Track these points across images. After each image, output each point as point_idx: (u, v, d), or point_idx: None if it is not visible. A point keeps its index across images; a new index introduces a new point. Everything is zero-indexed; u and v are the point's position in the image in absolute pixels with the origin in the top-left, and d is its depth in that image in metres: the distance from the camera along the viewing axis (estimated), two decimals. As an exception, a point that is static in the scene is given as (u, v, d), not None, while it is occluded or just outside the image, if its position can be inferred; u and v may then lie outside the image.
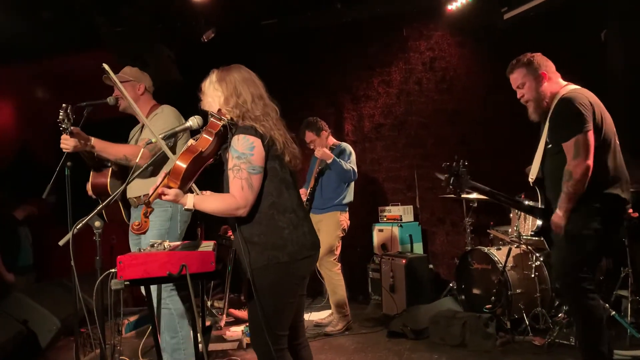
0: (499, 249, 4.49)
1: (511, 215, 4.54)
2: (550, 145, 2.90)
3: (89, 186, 3.35)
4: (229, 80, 2.31)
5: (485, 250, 4.48)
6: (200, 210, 2.18)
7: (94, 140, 3.11)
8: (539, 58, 2.98)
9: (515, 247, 4.36)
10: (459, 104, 5.99)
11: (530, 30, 5.26)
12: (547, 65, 2.97)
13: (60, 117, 2.92)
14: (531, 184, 3.06)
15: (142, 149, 2.68)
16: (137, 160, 2.59)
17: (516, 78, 3.02)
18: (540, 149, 3.00)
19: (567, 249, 2.78)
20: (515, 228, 4.33)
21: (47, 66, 6.64)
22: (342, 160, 4.60)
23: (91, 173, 3.29)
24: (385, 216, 5.95)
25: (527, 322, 4.04)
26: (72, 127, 2.96)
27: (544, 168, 2.99)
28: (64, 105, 2.93)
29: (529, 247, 4.33)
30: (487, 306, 4.22)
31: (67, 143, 2.98)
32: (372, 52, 6.34)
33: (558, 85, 2.94)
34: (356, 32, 6.29)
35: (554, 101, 2.90)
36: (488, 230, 4.87)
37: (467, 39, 5.98)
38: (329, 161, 4.59)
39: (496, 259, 4.34)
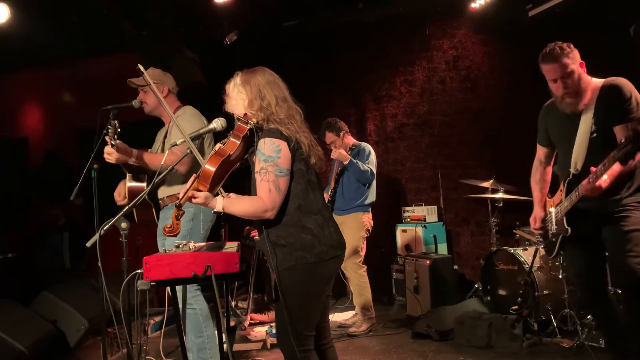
0: (525, 250, 4.42)
1: (538, 215, 4.46)
2: (595, 135, 2.76)
3: (116, 194, 3.40)
4: (253, 83, 2.32)
5: (511, 251, 4.41)
6: (228, 213, 2.20)
7: (136, 153, 3.16)
8: (574, 48, 2.81)
9: (542, 248, 4.27)
10: (483, 103, 5.92)
11: (555, 27, 5.16)
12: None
13: (109, 132, 2.97)
14: (570, 176, 2.93)
15: (167, 153, 2.71)
16: (162, 162, 2.62)
17: (563, 66, 2.75)
18: (582, 141, 2.82)
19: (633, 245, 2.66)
20: (542, 228, 4.25)
21: (73, 70, 6.77)
22: (359, 161, 4.58)
23: (127, 177, 3.34)
24: (409, 216, 5.91)
25: (555, 324, 3.97)
26: (118, 142, 3.01)
27: (585, 161, 2.82)
28: (112, 122, 2.98)
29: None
30: (513, 307, 4.15)
31: (111, 156, 3.05)
32: (394, 52, 6.30)
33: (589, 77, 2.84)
34: (378, 32, 6.26)
35: (595, 91, 2.77)
36: (514, 231, 4.80)
37: (491, 37, 5.91)
38: (345, 162, 4.58)
39: (522, 259, 4.28)
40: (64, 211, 6.73)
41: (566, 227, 2.91)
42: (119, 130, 3.00)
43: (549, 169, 3.23)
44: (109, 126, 2.97)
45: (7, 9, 4.71)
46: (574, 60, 2.76)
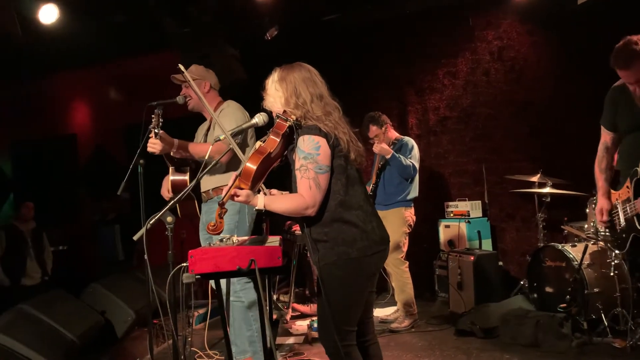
0: (574, 246, 4.27)
1: (587, 210, 4.31)
2: None
3: (164, 190, 3.46)
4: (288, 80, 2.32)
5: (559, 247, 4.28)
6: (269, 211, 2.21)
7: (177, 143, 3.20)
8: None
9: (592, 244, 4.14)
10: (529, 95, 5.75)
11: (606, 16, 4.96)
12: None
13: (153, 121, 3.03)
14: (638, 176, 2.77)
15: (211, 146, 2.74)
16: (206, 156, 2.65)
17: (636, 72, 2.55)
18: None
19: None
20: (592, 224, 4.11)
21: (119, 68, 6.96)
22: (401, 156, 4.52)
23: (170, 171, 3.40)
24: (452, 212, 5.81)
25: (606, 323, 3.83)
26: (161, 132, 3.06)
27: None
28: (156, 111, 3.04)
29: (608, 244, 4.09)
30: (561, 305, 4.02)
31: (155, 147, 3.09)
32: (437, 43, 6.19)
33: None
34: (420, 23, 6.17)
35: None
36: (562, 226, 4.66)
37: (538, 27, 5.73)
38: (387, 157, 4.52)
39: (571, 256, 4.14)
40: (114, 205, 6.93)
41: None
42: (161, 120, 3.04)
43: (616, 156, 3.03)
44: (153, 116, 3.03)
45: (57, 10, 4.85)
46: None
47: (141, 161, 3.11)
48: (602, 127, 3.00)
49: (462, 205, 5.74)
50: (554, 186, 4.74)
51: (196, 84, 3.43)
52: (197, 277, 2.15)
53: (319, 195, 2.18)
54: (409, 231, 4.65)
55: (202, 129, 3.70)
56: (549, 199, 4.76)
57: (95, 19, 5.36)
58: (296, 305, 5.22)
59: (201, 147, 3.31)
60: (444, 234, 5.78)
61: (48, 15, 4.84)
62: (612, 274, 3.92)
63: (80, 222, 7.48)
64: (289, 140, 2.33)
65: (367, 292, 2.31)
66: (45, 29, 4.94)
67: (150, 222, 2.50)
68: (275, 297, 5.53)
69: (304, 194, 2.17)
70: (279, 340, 4.37)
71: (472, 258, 4.80)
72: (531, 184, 4.91)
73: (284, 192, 2.51)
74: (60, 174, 7.54)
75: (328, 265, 2.20)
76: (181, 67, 3.21)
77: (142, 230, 2.60)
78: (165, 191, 3.46)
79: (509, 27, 5.85)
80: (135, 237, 2.68)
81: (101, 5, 5.25)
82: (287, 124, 2.27)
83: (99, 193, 7.27)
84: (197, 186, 3.45)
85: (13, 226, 5.96)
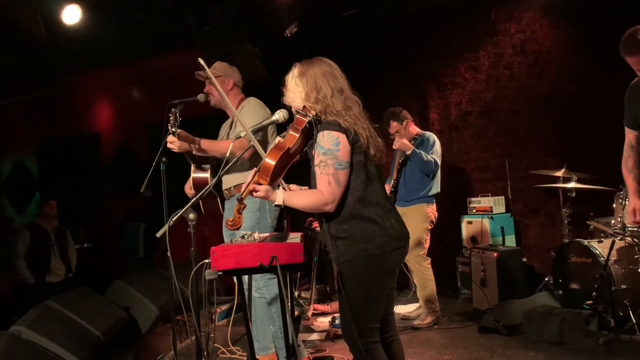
0: (601, 242, 4.19)
1: (614, 205, 4.23)
2: None
3: (187, 186, 3.49)
4: (309, 75, 2.31)
5: (585, 243, 4.20)
6: (288, 206, 2.21)
7: (199, 141, 3.22)
8: None
9: (619, 240, 4.05)
10: (552, 89, 5.65)
11: (630, 8, 4.84)
12: None
13: (170, 119, 3.06)
14: None
15: (232, 142, 2.74)
16: (227, 154, 2.66)
17: None
18: None
19: None
20: (619, 219, 4.02)
21: (141, 67, 7.03)
22: (422, 152, 4.47)
23: (192, 169, 3.42)
24: (475, 207, 5.75)
25: (634, 320, 3.75)
26: (179, 130, 3.09)
27: None
28: (173, 109, 3.08)
29: (635, 240, 4.00)
30: (587, 302, 3.95)
31: (173, 144, 3.11)
32: (458, 37, 6.12)
33: None
34: (440, 18, 6.11)
35: None
36: (588, 222, 4.57)
37: (561, 20, 5.62)
38: (408, 152, 4.48)
39: (597, 252, 4.06)
40: (137, 203, 7.01)
41: None
42: (179, 119, 3.07)
43: None
44: (170, 115, 3.07)
45: (80, 10, 4.92)
46: None
47: (164, 159, 3.14)
48: (625, 127, 2.95)
49: (484, 201, 5.67)
50: (579, 181, 4.66)
51: (220, 81, 3.44)
52: (219, 273, 2.16)
53: (338, 191, 2.17)
54: (431, 227, 4.62)
55: (225, 127, 3.71)
56: (574, 194, 4.68)
57: (117, 18, 5.42)
58: (317, 306, 5.22)
59: (222, 145, 3.32)
60: (466, 230, 5.73)
61: (71, 15, 4.91)
62: (640, 270, 3.84)
63: (104, 220, 7.60)
64: (309, 135, 2.32)
65: (387, 289, 2.30)
66: (69, 29, 5.01)
67: (173, 219, 2.52)
68: (296, 293, 5.54)
69: (323, 189, 2.16)
70: (301, 337, 4.37)
71: (495, 254, 4.74)
72: (555, 179, 4.83)
73: (303, 188, 2.51)
74: (85, 172, 7.66)
75: (347, 262, 2.20)
76: (201, 61, 3.21)
77: (165, 227, 2.62)
78: (188, 188, 3.49)
79: (532, 20, 5.76)
80: (158, 234, 2.70)
81: (123, 4, 5.31)
82: (307, 119, 2.26)
83: (122, 191, 7.37)
84: (220, 183, 3.46)
85: (36, 224, 6.06)
